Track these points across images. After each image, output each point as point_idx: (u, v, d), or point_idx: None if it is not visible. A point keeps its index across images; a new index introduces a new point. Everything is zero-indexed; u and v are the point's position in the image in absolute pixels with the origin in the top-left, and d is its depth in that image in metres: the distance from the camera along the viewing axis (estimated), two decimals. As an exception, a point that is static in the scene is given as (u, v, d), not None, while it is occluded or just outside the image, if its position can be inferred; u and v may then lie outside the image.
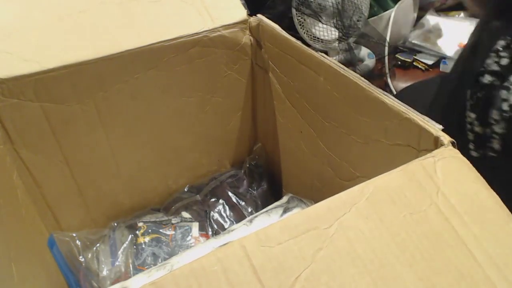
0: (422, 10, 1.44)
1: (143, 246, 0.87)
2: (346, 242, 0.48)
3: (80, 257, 0.82)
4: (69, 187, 0.80)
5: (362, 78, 0.63)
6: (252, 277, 0.43)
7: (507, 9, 0.74)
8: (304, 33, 1.26)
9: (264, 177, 0.99)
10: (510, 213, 0.50)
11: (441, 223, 0.50)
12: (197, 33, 0.75)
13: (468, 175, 0.52)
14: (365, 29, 1.23)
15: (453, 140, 0.52)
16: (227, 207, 0.95)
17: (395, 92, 1.22)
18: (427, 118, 0.55)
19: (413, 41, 1.36)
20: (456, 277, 0.45)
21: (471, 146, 0.64)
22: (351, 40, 1.30)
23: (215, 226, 0.92)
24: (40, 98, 0.68)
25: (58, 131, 0.73)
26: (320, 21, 1.22)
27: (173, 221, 0.92)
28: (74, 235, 0.83)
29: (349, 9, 1.24)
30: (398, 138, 0.59)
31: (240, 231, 0.81)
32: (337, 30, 1.24)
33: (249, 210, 0.94)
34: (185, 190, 0.97)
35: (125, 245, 0.85)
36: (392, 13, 1.29)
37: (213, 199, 0.95)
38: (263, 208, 0.90)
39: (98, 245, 0.85)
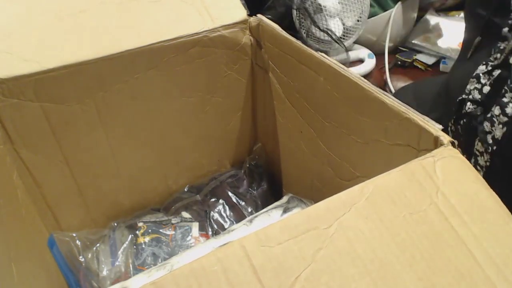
0: (422, 10, 1.44)
1: (143, 246, 0.87)
2: (346, 242, 0.48)
3: (80, 257, 0.82)
4: (69, 187, 0.80)
5: (362, 78, 0.64)
6: (252, 277, 0.43)
7: (486, 28, 0.72)
8: (304, 33, 1.26)
9: (264, 177, 0.99)
10: (510, 213, 0.50)
11: (441, 223, 0.50)
12: (197, 33, 0.75)
13: (468, 175, 0.52)
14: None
15: (453, 140, 0.52)
16: (227, 207, 0.95)
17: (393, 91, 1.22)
18: (427, 118, 0.55)
19: (413, 41, 1.36)
20: (456, 277, 0.45)
21: None
22: (351, 40, 1.30)
23: (215, 226, 0.92)
24: (40, 98, 0.68)
25: (58, 131, 0.73)
26: (318, 23, 1.22)
27: (173, 221, 0.92)
28: (74, 235, 0.83)
29: (349, 10, 1.24)
30: (398, 138, 0.60)
31: (240, 231, 0.81)
32: (338, 30, 1.24)
33: (249, 210, 0.94)
34: (185, 190, 0.97)
35: (125, 245, 0.85)
36: (392, 13, 1.29)
37: (213, 199, 0.95)
38: (263, 208, 0.90)
39: (98, 245, 0.85)
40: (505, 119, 0.58)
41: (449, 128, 0.68)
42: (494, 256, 0.47)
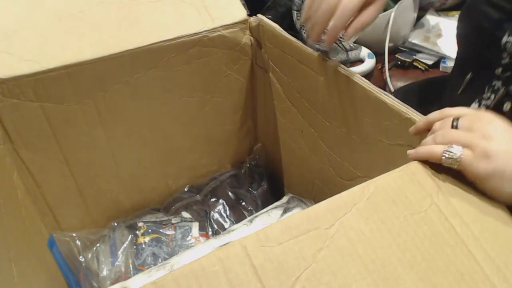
0: (422, 10, 1.44)
1: (143, 246, 0.87)
2: (347, 242, 0.48)
3: (80, 257, 0.82)
4: (69, 187, 0.80)
5: (363, 78, 0.64)
6: (252, 277, 0.43)
7: (478, 62, 0.71)
8: (304, 33, 1.26)
9: (264, 177, 0.99)
10: (510, 213, 0.50)
11: (441, 223, 0.50)
12: (197, 33, 0.75)
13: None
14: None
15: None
16: (227, 207, 0.95)
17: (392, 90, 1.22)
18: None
19: (413, 41, 1.36)
20: (456, 277, 0.45)
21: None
22: (351, 40, 1.29)
23: (215, 226, 0.92)
24: (40, 98, 0.68)
25: (58, 131, 0.73)
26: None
27: (173, 221, 0.92)
28: (74, 235, 0.83)
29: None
30: (399, 138, 0.60)
31: (240, 231, 0.81)
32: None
33: (249, 210, 0.94)
34: (185, 190, 0.97)
35: (125, 245, 0.85)
36: (392, 13, 1.28)
37: (213, 199, 0.95)
38: (263, 208, 0.90)
39: (98, 245, 0.85)
40: None
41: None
42: (494, 256, 0.47)
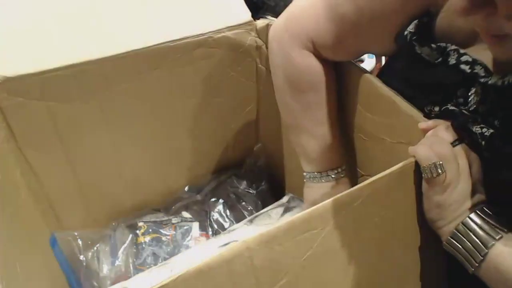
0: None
1: (144, 245, 0.87)
2: (342, 243, 0.49)
3: (81, 256, 0.82)
4: (71, 187, 0.80)
5: (371, 75, 0.64)
6: (251, 275, 0.45)
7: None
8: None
9: (264, 177, 0.99)
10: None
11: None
12: (201, 34, 0.74)
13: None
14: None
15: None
16: (227, 207, 0.95)
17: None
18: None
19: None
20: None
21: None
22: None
23: (215, 226, 0.92)
24: (45, 97, 0.68)
25: (62, 130, 0.73)
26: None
27: (173, 221, 0.92)
28: (76, 234, 0.83)
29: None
30: (401, 137, 0.60)
31: (240, 231, 0.81)
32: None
33: (249, 209, 0.94)
34: (185, 190, 0.97)
35: (125, 244, 0.85)
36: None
37: (213, 199, 0.95)
38: (263, 207, 0.90)
39: (98, 244, 0.85)
40: None
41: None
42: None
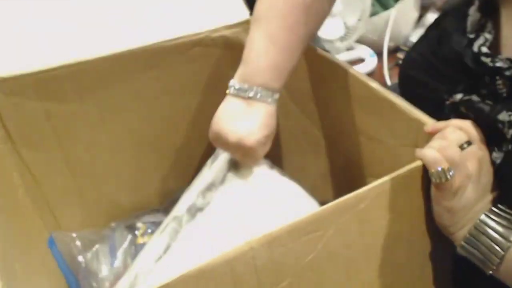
0: (423, 9, 1.43)
1: (143, 246, 0.86)
2: (343, 245, 0.48)
3: (80, 257, 0.82)
4: (69, 187, 0.80)
5: (370, 78, 0.63)
6: (253, 276, 0.44)
7: None
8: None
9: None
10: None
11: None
12: (198, 33, 0.74)
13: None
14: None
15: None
16: (227, 207, 0.94)
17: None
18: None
19: (414, 41, 1.35)
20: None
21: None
22: (352, 39, 1.29)
23: (215, 226, 0.91)
24: (41, 97, 0.68)
25: (58, 130, 0.73)
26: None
27: (172, 221, 0.91)
28: (74, 235, 0.82)
29: (350, 9, 1.24)
30: (405, 139, 0.59)
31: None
32: (339, 30, 1.24)
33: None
34: (185, 190, 0.97)
35: (124, 245, 0.85)
36: (392, 12, 1.28)
37: (213, 199, 0.95)
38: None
39: (97, 245, 0.85)
40: None
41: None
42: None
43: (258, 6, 0.64)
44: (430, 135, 0.53)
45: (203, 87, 0.82)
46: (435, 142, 0.51)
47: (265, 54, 0.61)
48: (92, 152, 0.78)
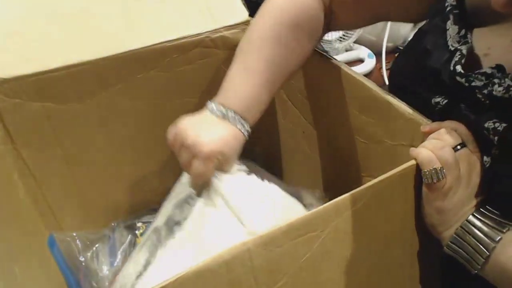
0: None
1: (142, 246, 0.87)
2: (339, 245, 0.49)
3: (80, 257, 0.82)
4: (70, 187, 0.80)
5: (367, 79, 0.64)
6: (250, 276, 0.45)
7: None
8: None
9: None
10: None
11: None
12: (199, 34, 0.74)
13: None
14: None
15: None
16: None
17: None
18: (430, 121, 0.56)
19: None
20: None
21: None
22: (351, 40, 1.30)
23: (215, 226, 0.91)
24: (41, 98, 0.68)
25: (59, 131, 0.73)
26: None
27: (172, 221, 0.92)
28: (74, 235, 0.82)
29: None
30: (402, 139, 0.60)
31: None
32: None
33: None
34: (185, 190, 0.97)
35: (124, 245, 0.85)
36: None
37: (212, 199, 0.95)
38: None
39: (97, 245, 0.85)
40: None
41: None
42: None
43: (241, 41, 0.68)
44: (426, 135, 0.54)
45: (203, 88, 0.82)
46: (430, 142, 0.52)
47: (241, 86, 0.64)
48: (92, 152, 0.79)
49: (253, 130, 0.96)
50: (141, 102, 0.77)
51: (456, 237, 0.50)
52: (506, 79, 0.48)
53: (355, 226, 0.49)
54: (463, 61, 0.52)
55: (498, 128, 0.49)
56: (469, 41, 0.54)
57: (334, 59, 0.70)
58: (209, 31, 0.75)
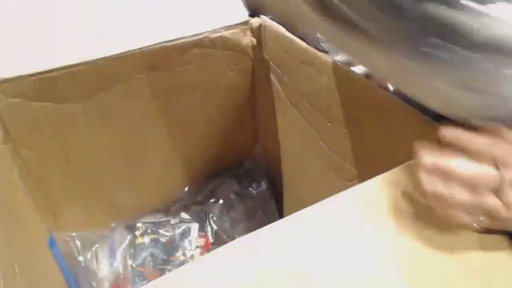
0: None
1: (142, 246, 0.87)
2: (338, 245, 0.49)
3: (80, 257, 0.82)
4: (69, 187, 0.80)
5: (366, 79, 0.64)
6: (254, 277, 0.44)
7: None
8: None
9: (264, 177, 0.99)
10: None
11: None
12: (198, 34, 0.75)
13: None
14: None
15: None
16: (226, 208, 0.95)
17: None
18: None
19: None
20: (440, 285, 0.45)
21: None
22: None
23: (215, 227, 0.92)
24: (41, 98, 0.68)
25: (59, 131, 0.73)
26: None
27: (172, 222, 0.92)
28: (74, 235, 0.82)
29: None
30: (401, 138, 0.60)
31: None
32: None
33: (249, 210, 0.94)
34: (185, 190, 0.97)
35: (124, 245, 0.86)
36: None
37: (212, 200, 0.95)
38: (263, 207, 0.90)
39: (97, 245, 0.85)
40: None
41: None
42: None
43: None
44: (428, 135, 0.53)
45: (203, 87, 0.82)
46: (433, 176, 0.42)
47: None
48: (92, 153, 0.79)
49: (253, 130, 0.97)
50: (140, 102, 0.77)
51: None
52: None
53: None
54: None
55: None
56: None
57: (335, 59, 0.70)
58: (208, 31, 0.75)
